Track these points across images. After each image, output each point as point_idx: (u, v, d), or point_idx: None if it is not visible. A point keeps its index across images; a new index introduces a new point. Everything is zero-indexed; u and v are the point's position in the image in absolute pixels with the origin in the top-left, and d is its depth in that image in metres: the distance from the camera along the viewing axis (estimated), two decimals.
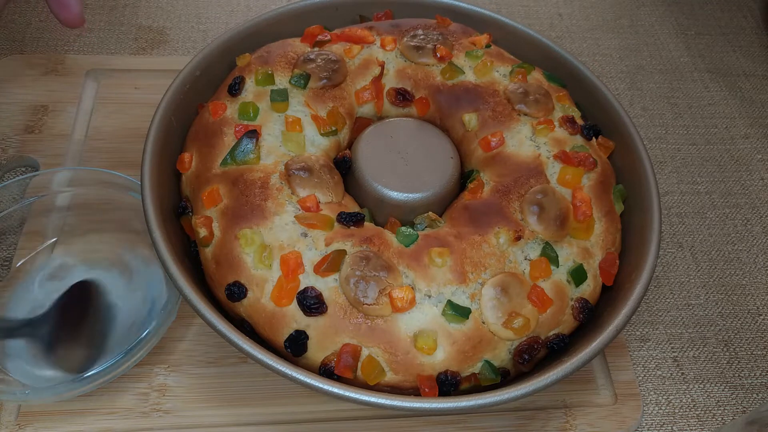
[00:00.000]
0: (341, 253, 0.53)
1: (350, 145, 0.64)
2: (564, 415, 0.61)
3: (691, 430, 0.63)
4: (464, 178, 0.63)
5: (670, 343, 0.69)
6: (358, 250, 0.53)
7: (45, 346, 0.56)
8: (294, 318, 0.52)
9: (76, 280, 0.60)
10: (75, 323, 0.58)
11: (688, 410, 0.64)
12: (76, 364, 0.56)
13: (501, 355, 0.53)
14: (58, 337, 0.57)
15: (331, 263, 0.52)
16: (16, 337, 0.57)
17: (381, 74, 0.66)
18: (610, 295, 0.58)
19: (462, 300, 0.53)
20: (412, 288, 0.52)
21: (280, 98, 0.61)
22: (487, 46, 0.69)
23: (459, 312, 0.52)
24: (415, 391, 0.52)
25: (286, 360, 0.50)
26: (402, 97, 0.66)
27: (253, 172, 0.57)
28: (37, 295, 0.60)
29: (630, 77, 0.92)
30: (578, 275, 0.56)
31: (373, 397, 0.48)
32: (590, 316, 0.57)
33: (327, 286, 0.52)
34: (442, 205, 0.61)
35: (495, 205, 0.58)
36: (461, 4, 0.74)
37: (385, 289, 0.51)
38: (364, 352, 0.51)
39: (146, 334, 0.55)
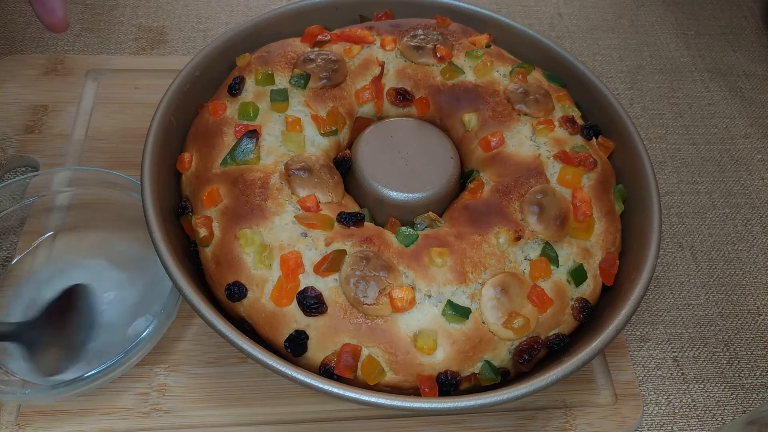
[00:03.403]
0: (341, 253, 0.53)
1: (350, 145, 0.64)
2: (564, 415, 0.61)
3: (691, 430, 0.63)
4: (464, 178, 0.63)
5: (670, 343, 0.69)
6: (358, 250, 0.53)
7: (27, 347, 0.56)
8: (294, 318, 0.52)
9: (73, 282, 0.60)
10: (59, 327, 0.58)
11: (688, 410, 0.64)
12: (51, 366, 0.56)
13: (501, 355, 0.53)
14: (40, 340, 0.57)
15: (331, 263, 0.52)
16: (2, 340, 0.57)
17: (381, 74, 0.66)
18: (610, 295, 0.58)
19: (462, 300, 0.53)
20: (412, 288, 0.52)
21: (280, 98, 0.61)
22: (487, 46, 0.69)
23: (459, 312, 0.52)
24: (415, 391, 0.52)
25: (286, 360, 0.50)
26: (402, 97, 0.66)
27: (253, 172, 0.57)
28: (33, 295, 0.60)
29: (630, 77, 0.92)
30: (578, 275, 0.56)
31: (373, 397, 0.48)
32: (590, 316, 0.57)
33: (327, 286, 0.52)
34: (442, 205, 0.61)
35: (495, 205, 0.58)
36: (461, 4, 0.74)
37: (385, 289, 0.51)
38: (364, 352, 0.51)
39: (146, 334, 0.55)
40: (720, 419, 0.64)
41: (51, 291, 0.60)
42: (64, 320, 0.58)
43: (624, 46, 0.96)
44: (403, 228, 0.56)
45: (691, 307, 0.71)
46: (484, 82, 0.66)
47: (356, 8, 0.74)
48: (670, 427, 0.63)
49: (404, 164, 0.61)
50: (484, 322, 0.52)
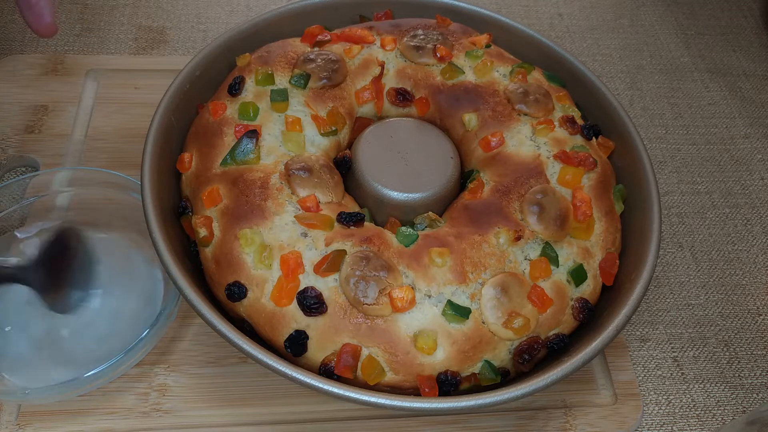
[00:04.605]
0: (341, 253, 0.53)
1: (350, 145, 0.64)
2: (564, 415, 0.61)
3: (691, 430, 0.63)
4: (464, 178, 0.63)
5: (670, 343, 0.69)
6: (358, 250, 0.53)
7: (35, 290, 0.57)
8: (294, 318, 0.52)
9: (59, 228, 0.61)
10: (60, 267, 0.59)
11: (688, 410, 0.64)
12: (66, 305, 0.58)
13: (501, 355, 0.53)
14: (47, 281, 0.57)
15: (331, 263, 0.52)
16: (6, 282, 0.58)
17: (381, 74, 0.66)
18: (610, 295, 0.58)
19: (462, 300, 0.53)
20: (412, 288, 0.52)
21: (280, 98, 0.61)
22: (487, 46, 0.69)
23: (459, 312, 0.52)
24: (415, 391, 0.52)
25: (286, 360, 0.50)
26: (402, 97, 0.66)
27: (253, 172, 0.57)
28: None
29: (630, 77, 0.92)
30: (578, 275, 0.56)
31: (373, 397, 0.48)
32: (590, 316, 0.57)
33: (327, 286, 0.52)
34: (442, 205, 0.61)
35: (495, 205, 0.58)
36: (461, 4, 0.74)
37: (385, 289, 0.51)
38: (364, 352, 0.51)
39: (146, 334, 0.55)
40: (720, 419, 0.64)
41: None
42: (62, 260, 0.59)
43: (624, 46, 0.96)
44: (403, 228, 0.56)
45: (691, 307, 0.71)
46: (484, 82, 0.66)
47: (356, 8, 0.74)
48: (670, 427, 0.63)
49: (404, 164, 0.61)
50: (484, 322, 0.52)
